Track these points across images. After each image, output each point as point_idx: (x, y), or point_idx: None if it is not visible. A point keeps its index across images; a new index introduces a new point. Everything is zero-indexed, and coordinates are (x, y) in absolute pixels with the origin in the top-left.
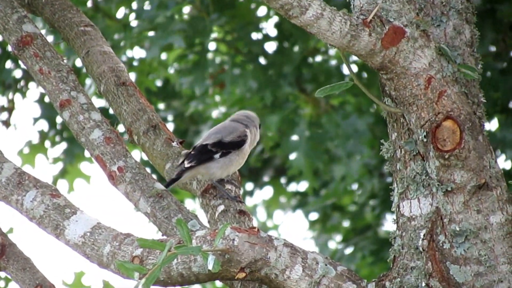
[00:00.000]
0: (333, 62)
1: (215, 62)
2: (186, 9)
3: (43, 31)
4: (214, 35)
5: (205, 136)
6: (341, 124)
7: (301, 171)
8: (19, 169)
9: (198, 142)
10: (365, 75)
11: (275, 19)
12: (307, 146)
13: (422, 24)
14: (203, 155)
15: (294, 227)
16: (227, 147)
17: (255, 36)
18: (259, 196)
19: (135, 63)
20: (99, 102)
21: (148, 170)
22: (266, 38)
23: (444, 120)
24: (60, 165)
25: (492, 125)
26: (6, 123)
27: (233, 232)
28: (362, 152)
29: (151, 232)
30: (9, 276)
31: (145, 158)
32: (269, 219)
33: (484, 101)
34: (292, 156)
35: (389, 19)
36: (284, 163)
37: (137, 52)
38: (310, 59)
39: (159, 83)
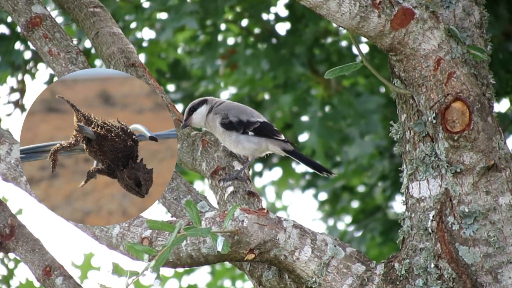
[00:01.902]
0: (344, 43)
1: (226, 42)
2: None
3: (52, 13)
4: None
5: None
6: (353, 103)
7: (314, 151)
8: None
9: (259, 119)
10: (376, 56)
11: (285, 0)
12: (319, 126)
13: (431, 6)
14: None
15: (303, 208)
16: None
17: (267, 17)
18: (268, 177)
19: (144, 44)
20: None
21: None
22: (278, 19)
23: (453, 102)
24: None
25: (502, 105)
26: (19, 105)
27: (242, 214)
28: (377, 130)
29: (160, 213)
30: (18, 258)
31: None
32: (278, 200)
33: (494, 82)
34: (303, 137)
35: (398, 0)
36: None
37: (147, 33)
38: (322, 40)
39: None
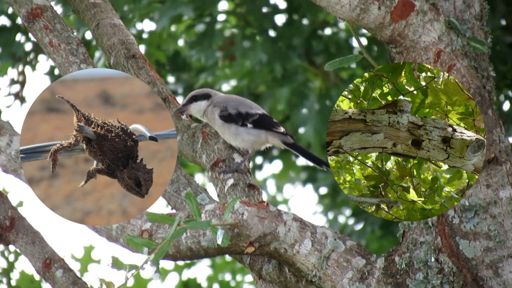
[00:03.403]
0: (343, 35)
1: (223, 32)
2: None
3: (52, 3)
4: (224, 6)
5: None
6: None
7: (310, 144)
8: None
9: (258, 111)
10: (375, 48)
11: None
12: (316, 119)
13: None
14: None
15: (304, 201)
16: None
17: (265, 8)
18: (269, 170)
19: (144, 36)
20: None
21: None
22: (276, 10)
23: None
24: None
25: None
26: (19, 96)
27: (242, 206)
28: None
29: (160, 206)
30: (18, 250)
31: None
32: (279, 193)
33: (494, 75)
34: (302, 130)
35: None
36: (294, 137)
37: (147, 25)
38: (320, 32)
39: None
